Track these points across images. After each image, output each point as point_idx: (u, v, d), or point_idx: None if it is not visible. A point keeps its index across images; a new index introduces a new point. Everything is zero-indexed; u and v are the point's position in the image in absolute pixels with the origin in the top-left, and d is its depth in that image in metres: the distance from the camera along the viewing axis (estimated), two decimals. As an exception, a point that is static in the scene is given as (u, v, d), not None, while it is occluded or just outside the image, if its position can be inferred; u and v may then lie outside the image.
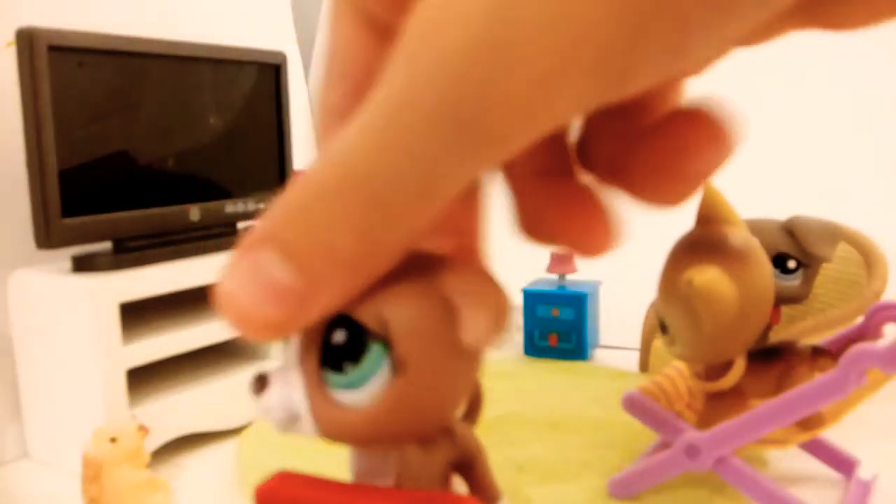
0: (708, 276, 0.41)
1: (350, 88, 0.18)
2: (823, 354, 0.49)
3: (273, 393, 0.16)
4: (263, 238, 0.15)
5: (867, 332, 0.50)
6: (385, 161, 0.13)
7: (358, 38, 0.18)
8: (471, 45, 0.12)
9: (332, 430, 0.16)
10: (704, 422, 0.47)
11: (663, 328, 0.45)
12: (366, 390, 0.15)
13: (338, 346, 0.15)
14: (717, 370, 0.47)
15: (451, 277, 0.15)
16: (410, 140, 0.13)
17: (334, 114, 0.18)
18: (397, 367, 0.15)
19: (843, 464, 0.52)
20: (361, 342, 0.15)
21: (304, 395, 0.16)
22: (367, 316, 0.15)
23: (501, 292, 0.16)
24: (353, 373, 0.15)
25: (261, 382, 0.17)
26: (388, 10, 0.16)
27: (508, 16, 0.12)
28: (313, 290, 0.15)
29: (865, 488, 0.49)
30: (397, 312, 0.15)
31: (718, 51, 0.13)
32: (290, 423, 0.16)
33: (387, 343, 0.15)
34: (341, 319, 0.15)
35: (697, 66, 0.14)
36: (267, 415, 0.16)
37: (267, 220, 0.15)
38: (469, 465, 0.19)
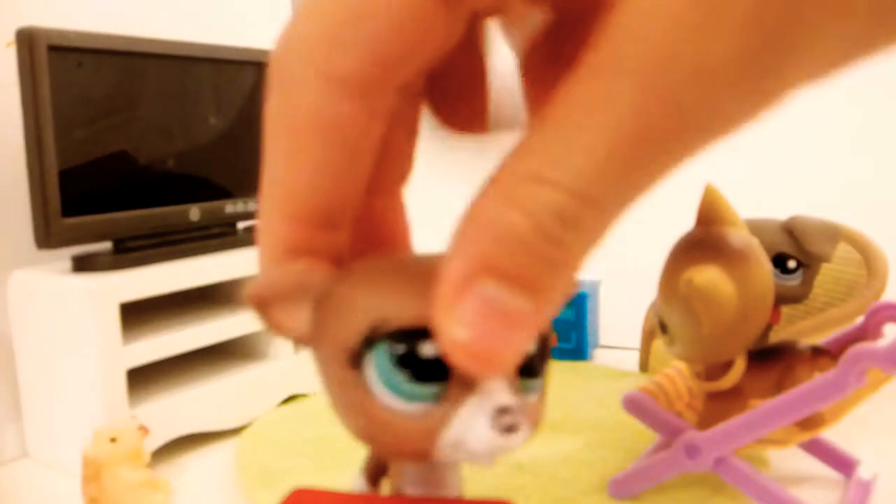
0: (708, 276, 0.41)
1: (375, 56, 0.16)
2: (823, 354, 0.49)
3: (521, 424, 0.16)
4: (477, 269, 0.14)
5: (867, 331, 0.50)
6: (624, 185, 0.14)
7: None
8: None
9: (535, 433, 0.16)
10: (704, 422, 0.47)
11: (663, 328, 0.45)
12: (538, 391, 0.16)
13: (531, 355, 0.15)
14: (717, 370, 0.47)
15: None
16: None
17: (348, 84, 0.17)
18: None
19: (843, 464, 0.52)
20: (546, 346, 0.16)
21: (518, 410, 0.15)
22: None
23: None
24: (541, 376, 0.16)
25: (513, 420, 0.16)
26: None
27: None
28: (545, 308, 0.15)
29: (865, 488, 0.49)
30: None
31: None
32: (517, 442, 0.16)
33: None
34: None
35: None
36: (515, 445, 0.16)
37: (469, 249, 0.14)
38: None
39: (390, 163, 0.19)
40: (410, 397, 0.15)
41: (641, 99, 0.13)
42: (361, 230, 0.19)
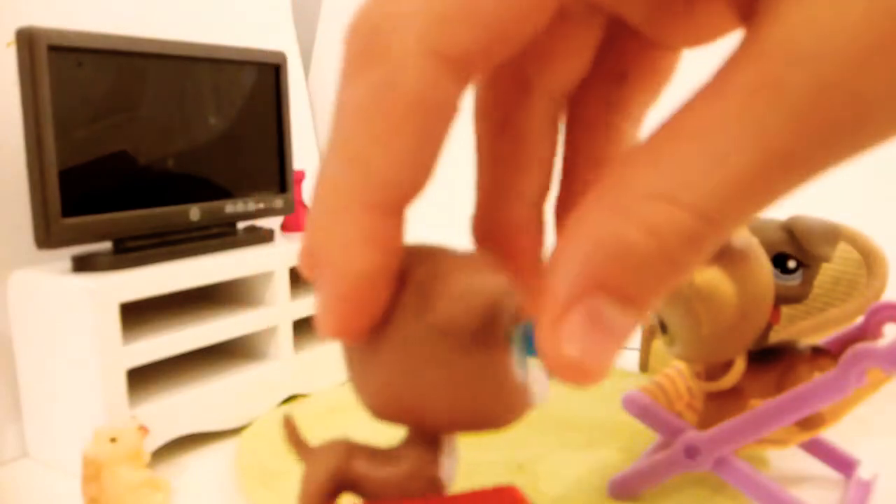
0: (708, 276, 0.41)
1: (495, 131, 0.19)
2: (823, 354, 0.49)
3: None
4: (588, 287, 0.15)
5: (867, 331, 0.50)
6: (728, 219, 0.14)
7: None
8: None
9: None
10: (704, 422, 0.47)
11: (663, 328, 0.45)
12: None
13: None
14: (717, 370, 0.47)
15: None
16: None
17: (497, 161, 0.19)
18: None
19: (843, 464, 0.52)
20: None
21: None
22: None
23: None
24: None
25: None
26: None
27: None
28: (633, 324, 0.15)
29: (865, 488, 0.49)
30: None
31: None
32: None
33: None
34: None
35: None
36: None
37: (579, 265, 0.15)
38: None
39: (537, 175, 0.20)
40: (526, 367, 0.19)
41: (782, 130, 0.13)
42: (495, 241, 0.20)
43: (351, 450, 0.27)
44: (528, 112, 0.20)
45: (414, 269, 0.20)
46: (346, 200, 0.16)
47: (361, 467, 0.26)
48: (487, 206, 0.20)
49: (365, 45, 0.15)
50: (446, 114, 0.16)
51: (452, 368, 0.19)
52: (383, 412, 0.23)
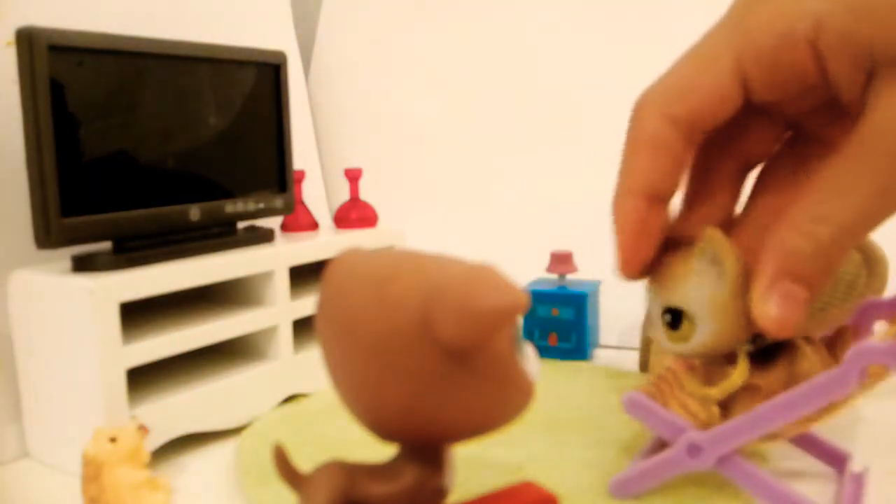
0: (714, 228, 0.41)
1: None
2: (821, 349, 0.49)
3: None
4: (786, 273, 0.31)
5: (857, 330, 0.50)
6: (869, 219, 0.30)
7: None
8: None
9: None
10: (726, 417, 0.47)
11: (674, 324, 0.45)
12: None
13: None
14: (717, 374, 0.47)
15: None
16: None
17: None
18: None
19: (834, 458, 0.52)
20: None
21: None
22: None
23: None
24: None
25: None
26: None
27: None
28: (810, 299, 0.31)
29: (858, 482, 0.49)
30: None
31: None
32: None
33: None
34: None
35: None
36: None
37: (775, 261, 0.31)
38: None
39: (714, 207, 0.39)
40: (522, 350, 0.27)
41: (880, 178, 0.28)
42: (671, 237, 0.39)
43: (350, 471, 0.27)
44: (719, 168, 0.37)
45: (413, 285, 0.21)
46: (622, 190, 0.35)
47: (365, 486, 0.26)
48: (679, 220, 0.39)
49: (636, 109, 0.34)
50: (672, 150, 0.33)
51: (469, 381, 0.19)
52: (390, 432, 0.23)
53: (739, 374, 0.46)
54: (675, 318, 0.45)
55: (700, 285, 0.42)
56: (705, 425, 0.47)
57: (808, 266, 0.29)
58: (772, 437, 0.45)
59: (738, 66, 0.31)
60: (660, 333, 0.47)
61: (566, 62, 1.06)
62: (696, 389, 0.48)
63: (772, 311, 0.30)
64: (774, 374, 0.47)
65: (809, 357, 0.46)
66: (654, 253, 0.38)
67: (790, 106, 0.34)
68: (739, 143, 0.36)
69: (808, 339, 0.49)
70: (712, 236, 0.41)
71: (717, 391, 0.47)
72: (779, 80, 0.31)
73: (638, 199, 0.34)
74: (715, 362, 0.48)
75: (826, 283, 0.31)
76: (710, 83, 0.31)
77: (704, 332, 0.43)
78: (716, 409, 0.48)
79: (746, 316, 0.40)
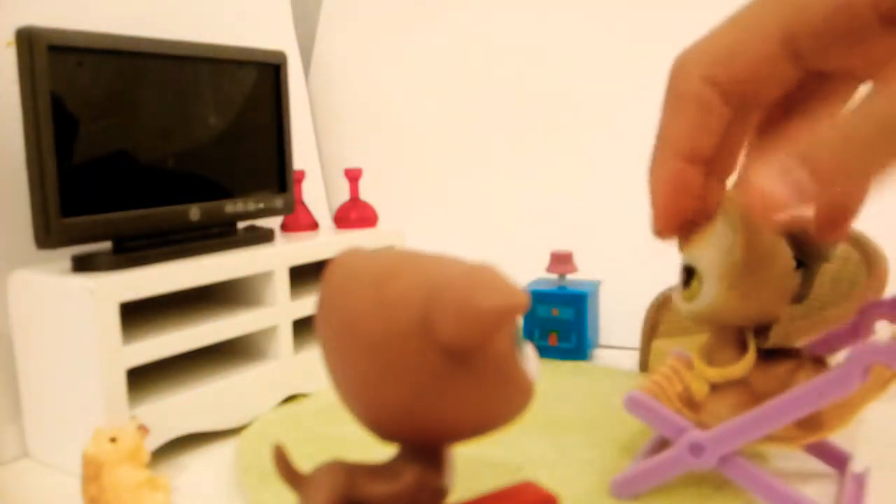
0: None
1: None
2: (822, 361, 0.49)
3: None
4: (793, 154, 0.26)
5: (859, 330, 0.50)
6: None
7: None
8: None
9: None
10: (711, 415, 0.47)
11: (686, 282, 0.45)
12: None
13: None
14: (725, 356, 0.47)
15: None
16: None
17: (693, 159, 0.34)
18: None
19: (835, 459, 0.52)
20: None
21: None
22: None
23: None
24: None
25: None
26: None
27: None
28: (813, 191, 0.25)
29: (859, 482, 0.49)
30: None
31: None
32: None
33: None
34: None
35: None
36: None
37: (806, 143, 0.26)
38: None
39: (728, 163, 0.37)
40: (521, 349, 0.26)
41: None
42: (697, 200, 0.37)
43: (350, 471, 0.27)
44: (745, 122, 0.35)
45: (415, 288, 0.21)
46: (661, 152, 0.34)
47: (365, 486, 0.26)
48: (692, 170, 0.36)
49: (676, 70, 0.32)
50: (713, 112, 0.32)
51: (469, 381, 0.19)
52: (390, 432, 0.23)
53: (744, 364, 0.46)
54: (689, 275, 0.45)
55: (714, 245, 0.42)
56: (695, 407, 0.48)
57: (825, 151, 0.25)
58: (785, 440, 0.45)
59: (788, 35, 0.29)
60: (676, 293, 0.47)
61: (566, 62, 1.06)
62: (698, 365, 0.48)
63: (762, 180, 0.25)
64: (772, 379, 0.47)
65: (809, 374, 0.46)
66: (690, 213, 0.38)
67: (834, 61, 0.31)
68: (763, 93, 0.33)
69: (813, 358, 0.49)
70: (733, 202, 0.40)
71: (716, 373, 0.47)
72: (832, 47, 0.29)
73: (677, 158, 0.33)
74: (725, 352, 0.48)
75: (839, 185, 0.26)
76: (755, 50, 0.30)
77: (709, 293, 0.43)
78: (706, 388, 0.48)
79: (753, 293, 0.40)
